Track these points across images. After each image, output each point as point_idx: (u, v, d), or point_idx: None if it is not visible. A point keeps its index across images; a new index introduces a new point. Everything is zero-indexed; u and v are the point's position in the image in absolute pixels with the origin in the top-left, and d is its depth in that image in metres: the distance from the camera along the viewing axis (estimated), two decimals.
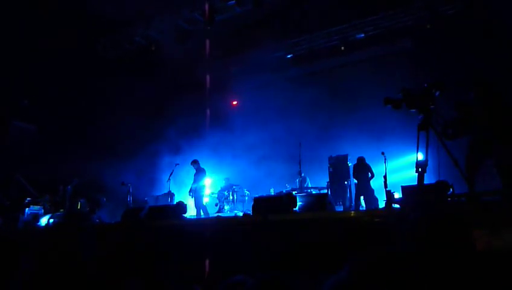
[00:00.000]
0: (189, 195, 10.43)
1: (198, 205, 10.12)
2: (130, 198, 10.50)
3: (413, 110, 4.70)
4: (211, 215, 9.95)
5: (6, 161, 12.19)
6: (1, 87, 11.42)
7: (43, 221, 9.02)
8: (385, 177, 7.95)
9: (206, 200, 11.53)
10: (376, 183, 9.43)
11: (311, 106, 12.07)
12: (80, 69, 12.78)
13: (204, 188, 10.74)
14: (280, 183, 11.44)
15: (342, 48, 12.93)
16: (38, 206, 10.58)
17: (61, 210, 10.35)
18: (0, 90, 11.51)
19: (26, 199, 10.64)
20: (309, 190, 10.50)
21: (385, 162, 8.57)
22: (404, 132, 8.94)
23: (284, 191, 10.04)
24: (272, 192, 10.85)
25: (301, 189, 10.22)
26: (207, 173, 10.85)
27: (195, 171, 10.61)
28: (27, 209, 10.10)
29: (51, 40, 11.33)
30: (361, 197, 9.35)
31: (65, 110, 12.98)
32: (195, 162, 10.69)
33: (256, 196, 7.66)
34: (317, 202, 6.40)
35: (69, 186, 10.67)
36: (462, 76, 8.58)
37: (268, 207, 6.24)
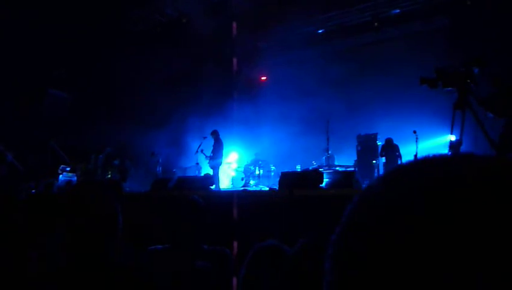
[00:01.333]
0: (208, 163, 10.61)
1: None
2: (159, 168, 10.71)
3: (449, 88, 4.52)
4: (238, 189, 10.06)
5: (42, 128, 12.58)
6: (37, 57, 11.67)
7: None
8: (416, 156, 7.73)
9: (232, 174, 11.64)
10: None
11: (341, 83, 11.85)
12: (111, 41, 12.91)
13: (222, 160, 10.83)
14: (306, 160, 11.39)
15: (375, 24, 12.52)
16: (72, 173, 10.94)
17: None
18: (36, 60, 11.76)
19: (60, 165, 11.00)
20: (336, 168, 10.40)
21: (416, 141, 8.37)
22: (437, 111, 8.69)
23: (310, 168, 9.99)
24: (298, 168, 10.82)
25: (328, 166, 10.13)
26: (234, 147, 10.91)
27: (213, 142, 10.72)
28: (61, 175, 10.47)
29: (84, 13, 11.46)
30: None
31: (98, 80, 13.21)
32: (214, 133, 10.77)
33: (282, 171, 7.65)
34: (344, 179, 6.34)
35: (101, 155, 10.95)
36: (503, 55, 8.19)
37: (294, 182, 6.23)
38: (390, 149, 9.34)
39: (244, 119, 12.25)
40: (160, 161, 10.79)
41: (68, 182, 9.90)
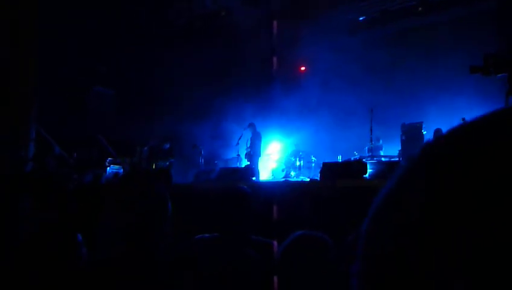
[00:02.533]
0: (245, 159, 10.65)
1: None
2: (201, 160, 10.88)
3: (501, 75, 4.27)
4: (279, 180, 10.05)
5: (89, 123, 13.12)
6: (82, 56, 12.12)
7: None
8: None
9: (272, 165, 11.63)
10: None
11: (384, 70, 11.55)
12: (152, 36, 13.21)
13: (261, 152, 10.82)
14: (348, 151, 11.19)
15: (420, 8, 12.05)
16: (118, 166, 11.32)
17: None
18: (82, 59, 12.22)
19: (107, 158, 11.41)
20: (380, 158, 10.16)
21: None
22: (487, 98, 8.27)
23: (352, 159, 9.81)
24: (340, 159, 10.65)
25: (371, 156, 9.90)
26: (274, 138, 10.85)
27: (251, 135, 10.72)
28: (108, 168, 10.85)
29: (125, 9, 11.78)
30: None
31: (140, 75, 13.57)
32: (251, 125, 10.77)
33: (324, 162, 7.55)
34: (388, 169, 6.18)
35: (145, 148, 11.25)
36: None
37: (337, 173, 6.16)
38: None
39: (284, 109, 12.20)
40: (202, 152, 10.94)
41: (115, 174, 10.25)
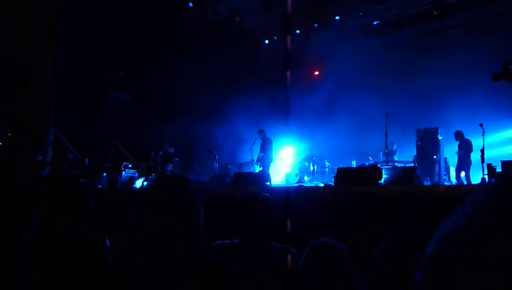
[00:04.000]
0: (257, 164, 10.68)
1: None
2: (216, 165, 10.93)
3: None
4: (292, 185, 10.02)
5: (105, 128, 13.28)
6: (98, 61, 12.29)
7: (138, 183, 9.75)
8: (482, 151, 7.32)
9: (287, 170, 11.61)
10: (472, 158, 8.82)
11: (399, 75, 11.44)
12: (166, 41, 13.34)
13: (273, 157, 10.82)
14: (363, 156, 11.11)
15: (435, 12, 11.94)
16: (134, 170, 11.45)
17: (153, 174, 11.09)
18: (98, 64, 12.39)
19: (122, 163, 11.56)
20: (395, 163, 10.06)
21: (483, 135, 7.87)
22: (506, 102, 8.14)
23: (366, 164, 9.73)
24: (354, 164, 10.58)
25: (386, 162, 9.82)
26: (288, 143, 10.83)
27: (261, 141, 10.76)
28: (123, 172, 10.98)
29: (139, 14, 11.93)
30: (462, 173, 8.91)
31: (154, 80, 13.70)
32: (261, 132, 10.81)
33: (338, 167, 7.51)
34: (404, 175, 6.12)
35: (160, 152, 11.36)
36: None
37: (351, 178, 6.10)
38: (464, 144, 9.00)
39: (298, 114, 12.17)
40: (216, 157, 11.00)
41: (131, 179, 10.37)
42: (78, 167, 10.14)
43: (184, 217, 1.61)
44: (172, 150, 11.47)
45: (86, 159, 10.30)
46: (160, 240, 1.57)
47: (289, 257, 2.30)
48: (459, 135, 9.54)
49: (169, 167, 11.04)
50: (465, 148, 9.20)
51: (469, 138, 9.31)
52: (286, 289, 2.05)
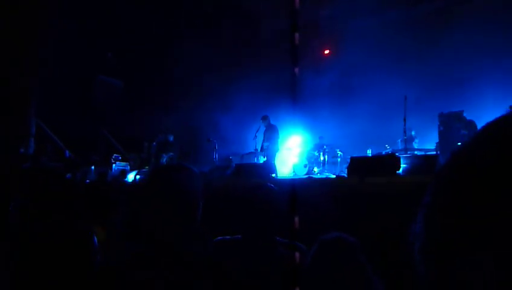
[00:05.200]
0: (261, 154, 10.68)
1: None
2: (215, 155, 10.93)
3: None
4: (301, 177, 10.02)
5: (93, 116, 13.26)
6: (85, 42, 12.23)
7: (130, 177, 9.78)
8: None
9: (294, 160, 11.60)
10: None
11: (418, 54, 11.33)
12: (163, 23, 13.26)
13: (279, 147, 10.79)
14: (379, 144, 11.08)
15: None
16: (125, 163, 11.47)
17: (146, 167, 11.11)
18: (85, 45, 12.33)
19: (113, 155, 11.58)
20: (415, 152, 10.02)
21: None
22: None
23: (383, 153, 9.70)
24: (369, 153, 10.55)
25: (405, 150, 9.78)
26: (294, 130, 10.77)
27: (264, 129, 10.70)
28: (114, 165, 11.01)
29: None
30: None
31: (150, 64, 13.65)
32: (265, 118, 10.74)
33: (351, 156, 7.50)
34: (425, 164, 6.07)
35: (154, 143, 11.35)
36: None
37: (366, 169, 6.07)
38: None
39: (306, 98, 12.11)
40: (216, 147, 10.99)
41: (122, 172, 10.40)
42: (58, 159, 10.16)
43: (183, 211, 1.61)
44: (173, 137, 11.40)
45: (67, 151, 10.32)
46: (156, 236, 1.56)
47: (296, 253, 2.29)
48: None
49: (170, 154, 11.00)
50: None
51: None
52: (293, 286, 2.04)
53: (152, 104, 13.27)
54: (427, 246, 0.44)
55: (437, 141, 10.02)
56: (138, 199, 1.71)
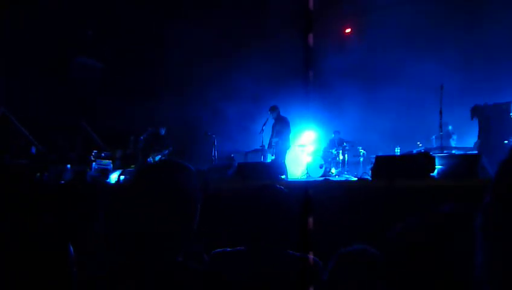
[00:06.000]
0: (269, 151, 10.69)
1: None
2: (215, 152, 10.92)
3: None
4: (316, 179, 10.01)
5: (69, 105, 13.25)
6: (61, 18, 12.20)
7: (113, 177, 9.79)
8: None
9: (308, 160, 11.58)
10: None
11: (457, 34, 11.28)
12: (154, 1, 13.28)
13: (290, 143, 10.76)
14: (410, 141, 11.04)
15: None
16: (107, 161, 11.48)
17: (133, 166, 11.12)
18: (61, 22, 12.30)
19: (93, 151, 11.59)
20: (452, 151, 9.98)
21: None
22: None
23: (415, 151, 9.66)
24: (398, 152, 10.52)
25: (441, 148, 9.74)
26: (308, 125, 10.74)
27: (274, 121, 10.67)
28: (94, 163, 11.02)
29: None
30: None
31: (137, 45, 13.63)
32: (274, 109, 10.66)
33: (377, 155, 7.49)
34: (464, 165, 6.06)
35: (142, 137, 11.36)
36: None
37: (394, 170, 6.09)
38: None
39: (323, 86, 12.09)
40: (215, 142, 10.97)
41: (103, 171, 10.41)
42: (25, 156, 10.20)
43: (176, 217, 1.61)
44: (164, 130, 11.40)
45: (33, 147, 10.34)
46: (143, 245, 1.56)
47: (310, 269, 2.28)
48: None
49: (161, 151, 11.02)
50: None
51: None
52: None
53: (140, 92, 13.27)
54: None
55: (477, 138, 10.00)
56: (123, 203, 1.70)
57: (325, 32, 13.42)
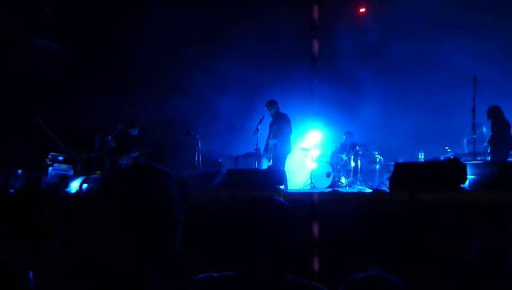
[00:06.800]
0: (265, 156, 10.66)
1: None
2: (198, 156, 10.91)
3: None
4: (322, 190, 10.01)
5: (22, 96, 13.20)
6: None
7: (74, 185, 9.75)
8: None
9: (312, 167, 11.60)
10: None
11: (490, 23, 11.35)
12: None
13: (291, 146, 10.74)
14: (435, 145, 11.10)
15: None
16: (67, 165, 11.44)
17: (98, 172, 11.10)
18: None
19: (49, 153, 11.55)
20: (488, 157, 10.04)
21: None
22: None
23: (442, 158, 9.70)
24: (422, 158, 10.56)
25: (474, 154, 9.79)
26: (312, 124, 10.74)
27: (272, 118, 10.64)
28: (51, 168, 10.98)
29: None
30: None
31: (106, 27, 13.61)
32: (272, 104, 10.62)
33: (396, 162, 7.51)
34: (503, 175, 6.09)
35: (110, 137, 11.35)
36: None
37: (417, 180, 6.11)
38: None
39: (331, 77, 12.09)
40: (199, 145, 10.97)
41: (62, 178, 10.37)
42: None
43: (153, 234, 1.59)
44: (137, 130, 11.39)
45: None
46: (113, 268, 1.55)
47: None
48: None
49: (133, 154, 11.02)
50: None
51: None
52: None
53: (109, 83, 13.24)
54: None
55: None
56: (87, 217, 1.68)
57: (335, 10, 13.43)
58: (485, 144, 10.02)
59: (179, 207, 1.64)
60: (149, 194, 1.59)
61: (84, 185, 9.55)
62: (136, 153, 11.11)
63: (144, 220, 1.55)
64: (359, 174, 11.48)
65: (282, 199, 2.51)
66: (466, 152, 10.36)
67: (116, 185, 1.66)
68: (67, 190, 9.63)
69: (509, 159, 9.52)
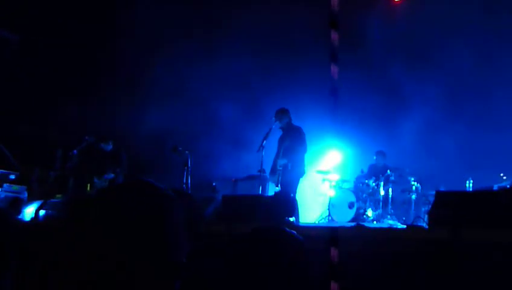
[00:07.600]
0: (271, 180, 10.72)
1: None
2: (187, 178, 10.91)
3: None
4: (342, 224, 10.01)
5: None
6: None
7: (29, 211, 9.76)
8: None
9: (331, 193, 11.62)
10: None
11: None
12: None
13: (305, 168, 10.74)
14: (487, 171, 11.11)
15: None
16: (19, 186, 11.48)
17: (58, 195, 11.13)
18: None
19: None
20: None
21: None
22: None
23: (496, 187, 9.70)
24: (470, 186, 10.57)
25: None
26: (331, 143, 10.77)
27: (282, 132, 10.63)
28: (1, 189, 11.02)
29: None
30: None
31: (75, 18, 13.73)
32: (282, 114, 10.58)
33: (437, 190, 7.52)
34: None
35: (75, 151, 11.40)
36: None
37: (464, 214, 6.12)
38: None
39: (358, 82, 12.14)
40: (189, 163, 10.98)
41: (14, 201, 10.40)
42: None
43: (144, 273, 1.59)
44: (111, 145, 11.44)
45: None
46: None
47: None
48: None
49: (107, 175, 11.06)
50: None
51: None
52: None
53: (76, 86, 13.31)
54: None
55: None
56: (47, 251, 1.66)
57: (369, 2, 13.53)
58: None
59: (183, 244, 1.61)
60: (142, 216, 1.54)
61: (42, 212, 9.57)
62: (112, 175, 11.14)
63: (132, 254, 1.52)
64: (390, 206, 11.46)
65: (295, 232, 2.52)
66: None
67: (86, 212, 1.61)
68: (19, 216, 9.64)
69: None
